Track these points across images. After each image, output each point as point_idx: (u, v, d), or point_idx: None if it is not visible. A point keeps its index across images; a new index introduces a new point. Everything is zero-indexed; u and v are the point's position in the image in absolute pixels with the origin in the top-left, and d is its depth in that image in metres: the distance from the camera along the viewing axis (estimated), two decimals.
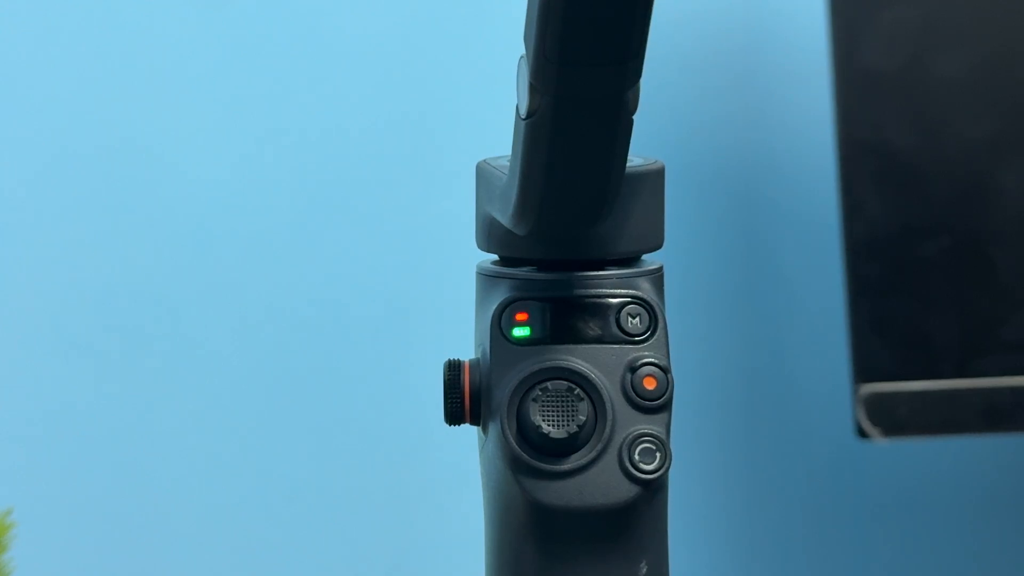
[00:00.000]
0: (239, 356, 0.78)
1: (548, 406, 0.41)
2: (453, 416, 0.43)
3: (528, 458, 0.41)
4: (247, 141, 0.77)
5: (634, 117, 0.37)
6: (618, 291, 0.42)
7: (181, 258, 0.77)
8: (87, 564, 0.78)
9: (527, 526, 0.42)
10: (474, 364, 0.43)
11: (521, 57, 0.36)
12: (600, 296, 0.42)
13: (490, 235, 0.44)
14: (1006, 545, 0.81)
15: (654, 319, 0.42)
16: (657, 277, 0.44)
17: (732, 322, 0.80)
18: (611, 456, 0.41)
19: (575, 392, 0.41)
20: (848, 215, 0.66)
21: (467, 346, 0.46)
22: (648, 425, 0.41)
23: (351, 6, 0.78)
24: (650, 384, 0.41)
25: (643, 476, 0.41)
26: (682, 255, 0.78)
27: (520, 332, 0.42)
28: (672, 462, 0.41)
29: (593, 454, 0.41)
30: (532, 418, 0.41)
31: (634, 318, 0.42)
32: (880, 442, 0.65)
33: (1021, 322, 0.65)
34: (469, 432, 0.44)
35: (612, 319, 0.42)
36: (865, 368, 0.65)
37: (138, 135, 0.77)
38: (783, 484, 0.80)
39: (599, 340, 0.42)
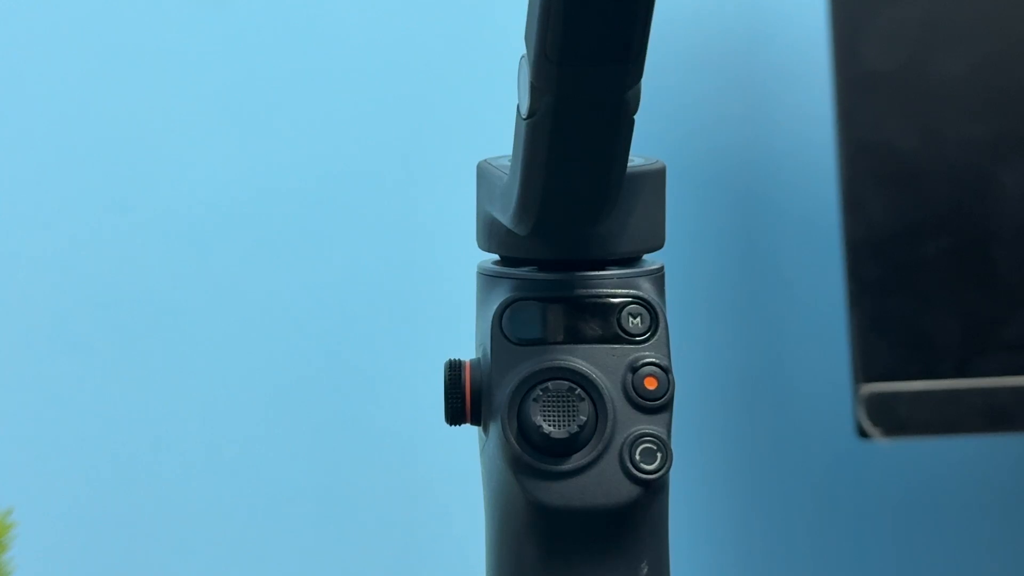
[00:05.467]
0: (239, 356, 0.78)
1: (549, 406, 0.41)
2: (454, 416, 0.43)
3: (529, 458, 0.41)
4: (247, 141, 0.77)
5: (635, 117, 0.37)
6: (619, 291, 0.42)
7: (181, 258, 0.77)
8: (87, 564, 0.78)
9: (528, 526, 0.42)
10: (475, 364, 0.43)
11: (522, 57, 0.36)
12: (601, 296, 0.42)
13: (491, 235, 0.44)
14: (1006, 545, 0.81)
15: (655, 319, 0.42)
16: (658, 277, 0.43)
17: (733, 322, 0.80)
18: (612, 456, 0.41)
19: (576, 392, 0.41)
20: (849, 215, 0.66)
21: (468, 346, 0.46)
22: (649, 425, 0.41)
23: (351, 6, 0.78)
24: (651, 384, 0.41)
25: (644, 476, 0.41)
26: (683, 255, 0.78)
27: (521, 332, 0.42)
28: (673, 462, 0.41)
29: (594, 454, 0.41)
30: (533, 418, 0.41)
31: (635, 318, 0.42)
32: (881, 442, 0.65)
33: (1022, 322, 0.65)
34: (470, 432, 0.44)
35: (613, 319, 0.42)
36: (866, 368, 0.65)
37: (139, 135, 0.77)
38: (784, 484, 0.80)
39: (600, 340, 0.42)
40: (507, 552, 0.43)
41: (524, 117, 0.36)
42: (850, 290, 0.66)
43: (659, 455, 0.41)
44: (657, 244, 0.44)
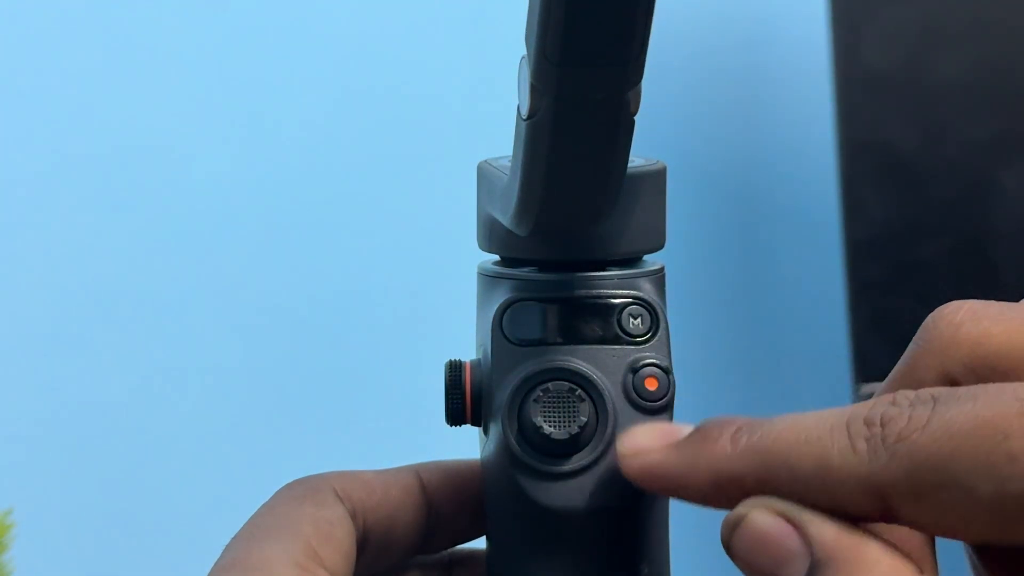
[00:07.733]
0: (240, 357, 0.78)
1: (549, 407, 0.41)
2: (454, 417, 0.43)
3: (529, 459, 0.41)
4: (248, 142, 0.77)
5: (635, 117, 0.37)
6: (619, 292, 0.42)
7: (182, 260, 0.77)
8: (87, 564, 0.78)
9: (528, 527, 0.42)
10: (475, 365, 0.43)
11: (522, 58, 0.36)
12: (601, 297, 0.42)
13: (491, 235, 0.44)
14: None
15: (655, 320, 0.42)
16: (658, 278, 0.43)
17: (733, 322, 0.80)
18: (612, 457, 0.41)
19: (576, 393, 0.41)
20: (848, 215, 0.66)
21: (468, 346, 0.45)
22: None
23: (352, 7, 0.78)
24: (651, 385, 0.41)
25: None
26: (684, 256, 0.78)
27: (521, 333, 0.42)
28: None
29: (594, 455, 0.41)
30: (533, 419, 0.41)
31: (635, 319, 0.42)
32: None
33: None
34: (470, 433, 0.44)
35: (613, 320, 0.42)
36: (866, 368, 0.65)
37: (141, 135, 0.77)
38: None
39: (600, 341, 0.42)
40: (507, 553, 0.43)
41: (524, 118, 0.36)
42: (850, 290, 0.66)
43: None
44: (657, 244, 0.44)
